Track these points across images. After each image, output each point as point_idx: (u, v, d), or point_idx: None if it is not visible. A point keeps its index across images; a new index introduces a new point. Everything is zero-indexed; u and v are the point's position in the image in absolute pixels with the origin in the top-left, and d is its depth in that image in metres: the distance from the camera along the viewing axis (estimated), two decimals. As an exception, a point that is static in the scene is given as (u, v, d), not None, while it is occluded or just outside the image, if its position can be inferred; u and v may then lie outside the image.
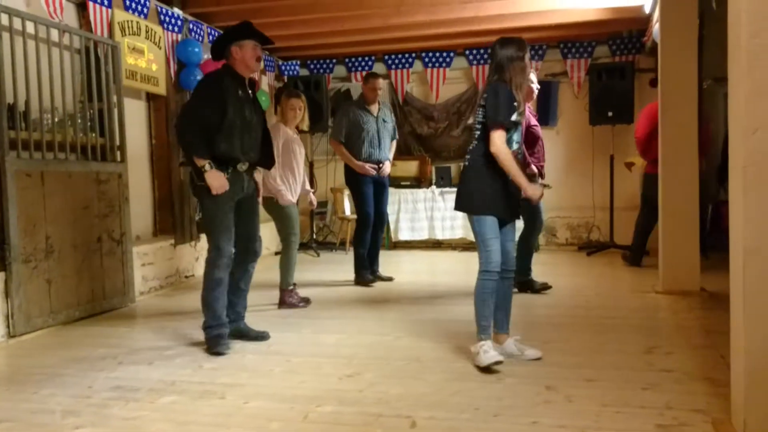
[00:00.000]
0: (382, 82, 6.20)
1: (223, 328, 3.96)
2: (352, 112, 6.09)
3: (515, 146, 3.53)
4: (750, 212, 2.43)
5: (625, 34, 8.30)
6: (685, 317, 4.57)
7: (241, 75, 3.96)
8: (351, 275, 6.17)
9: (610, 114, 7.73)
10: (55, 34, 4.77)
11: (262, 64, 8.20)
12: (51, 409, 2.99)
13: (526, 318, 4.69)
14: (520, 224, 4.49)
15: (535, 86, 5.07)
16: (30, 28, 4.52)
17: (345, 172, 6.19)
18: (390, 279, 6.23)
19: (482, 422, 2.75)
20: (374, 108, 6.13)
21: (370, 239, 6.15)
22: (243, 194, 4.02)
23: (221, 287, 3.95)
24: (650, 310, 4.81)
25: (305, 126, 5.43)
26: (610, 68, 7.88)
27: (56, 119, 4.77)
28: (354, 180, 6.08)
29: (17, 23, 4.39)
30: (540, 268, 7.00)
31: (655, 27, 5.96)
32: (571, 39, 8.41)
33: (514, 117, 3.45)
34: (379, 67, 9.17)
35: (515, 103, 3.45)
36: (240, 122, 3.87)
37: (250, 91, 4.03)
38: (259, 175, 4.28)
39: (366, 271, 6.12)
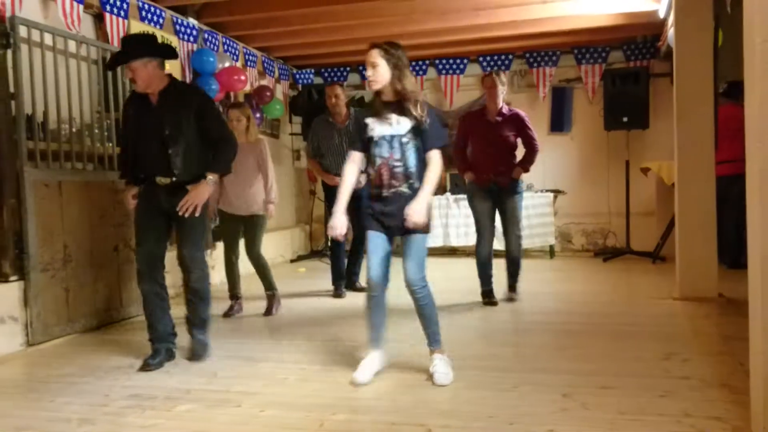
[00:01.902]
0: (339, 90, 5.90)
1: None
2: (316, 125, 5.99)
3: (378, 161, 3.41)
4: (767, 218, 2.41)
5: (640, 39, 8.28)
6: (703, 324, 4.53)
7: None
8: (364, 282, 6.16)
9: (625, 119, 7.71)
10: (72, 46, 4.83)
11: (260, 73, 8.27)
12: (67, 418, 3.01)
13: (540, 325, 4.67)
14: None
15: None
16: (48, 39, 4.58)
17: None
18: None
19: (497, 430, 2.73)
20: (338, 119, 5.88)
21: (348, 251, 6.16)
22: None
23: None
24: (667, 317, 4.77)
25: (252, 138, 5.24)
26: (625, 73, 7.86)
27: (74, 129, 4.82)
28: (328, 193, 6.05)
29: (35, 35, 4.45)
30: (555, 275, 7.00)
31: (670, 31, 5.94)
32: (585, 45, 8.40)
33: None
34: (392, 75, 9.19)
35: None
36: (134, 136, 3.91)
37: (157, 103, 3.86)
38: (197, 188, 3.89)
39: (342, 282, 6.08)
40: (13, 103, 4.30)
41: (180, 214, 3.76)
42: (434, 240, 8.38)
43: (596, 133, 8.42)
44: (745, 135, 2.61)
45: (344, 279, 6.13)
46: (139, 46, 3.75)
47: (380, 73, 3.37)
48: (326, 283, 6.53)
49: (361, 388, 3.32)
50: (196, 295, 4.02)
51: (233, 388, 3.36)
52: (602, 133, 8.20)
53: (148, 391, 3.35)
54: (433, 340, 3.53)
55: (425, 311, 3.52)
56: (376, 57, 3.38)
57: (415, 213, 3.29)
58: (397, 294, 3.82)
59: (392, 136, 3.39)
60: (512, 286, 5.48)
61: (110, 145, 5.18)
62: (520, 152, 5.43)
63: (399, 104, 3.38)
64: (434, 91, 9.20)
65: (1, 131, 4.26)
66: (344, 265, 6.12)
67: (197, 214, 3.82)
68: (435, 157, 3.39)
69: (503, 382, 3.33)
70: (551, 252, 8.38)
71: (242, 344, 4.31)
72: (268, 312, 5.26)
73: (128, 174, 3.99)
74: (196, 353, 3.95)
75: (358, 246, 6.03)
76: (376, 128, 3.42)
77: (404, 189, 3.38)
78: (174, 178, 3.81)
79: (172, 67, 6.18)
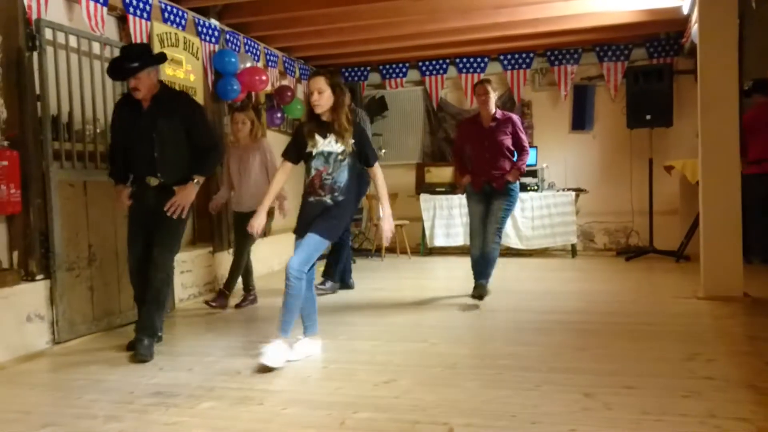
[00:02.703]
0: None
1: None
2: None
3: (313, 172, 3.85)
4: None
5: (663, 35, 8.19)
6: (728, 323, 4.47)
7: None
8: (385, 282, 6.20)
9: (648, 117, 7.63)
10: (96, 47, 4.89)
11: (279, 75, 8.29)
12: (94, 414, 3.05)
13: (562, 324, 4.64)
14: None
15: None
16: (73, 41, 4.64)
17: None
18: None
19: (519, 429, 2.72)
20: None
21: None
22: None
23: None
24: (691, 316, 4.72)
25: (256, 139, 5.43)
26: (648, 70, 7.79)
27: (98, 130, 4.88)
28: None
29: (60, 37, 4.52)
30: (577, 274, 6.96)
31: (694, 28, 5.87)
32: (607, 42, 8.33)
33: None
34: (413, 74, 9.21)
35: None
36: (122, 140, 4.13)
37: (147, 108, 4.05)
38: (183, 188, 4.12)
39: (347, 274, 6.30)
40: (39, 104, 4.36)
41: (168, 214, 3.97)
42: (455, 239, 8.39)
43: (619, 132, 8.35)
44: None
45: (349, 272, 6.33)
46: (143, 57, 3.98)
47: (325, 99, 3.79)
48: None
49: (382, 387, 3.33)
50: (153, 294, 4.10)
51: (256, 386, 3.39)
52: (625, 131, 8.14)
53: (172, 388, 3.39)
54: (280, 328, 3.77)
55: (288, 300, 3.73)
56: (323, 84, 3.78)
57: (387, 230, 3.87)
58: (412, 293, 3.83)
59: (329, 153, 3.82)
60: (478, 286, 5.33)
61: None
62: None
63: (333, 125, 3.81)
64: (454, 89, 9.18)
65: (27, 132, 4.32)
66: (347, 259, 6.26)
67: (183, 216, 4.06)
68: (378, 172, 3.93)
69: (525, 382, 3.31)
70: (573, 251, 8.33)
71: (264, 342, 4.32)
72: (238, 306, 5.55)
73: (117, 174, 4.23)
74: (139, 355, 3.95)
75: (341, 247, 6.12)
76: (317, 144, 3.83)
77: (327, 199, 3.82)
78: (161, 180, 4.05)
79: (194, 68, 6.25)
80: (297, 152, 3.93)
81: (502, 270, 6.97)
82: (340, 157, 3.81)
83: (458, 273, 7.43)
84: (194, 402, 3.18)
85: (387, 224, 3.88)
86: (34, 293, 4.30)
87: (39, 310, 4.31)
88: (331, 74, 3.87)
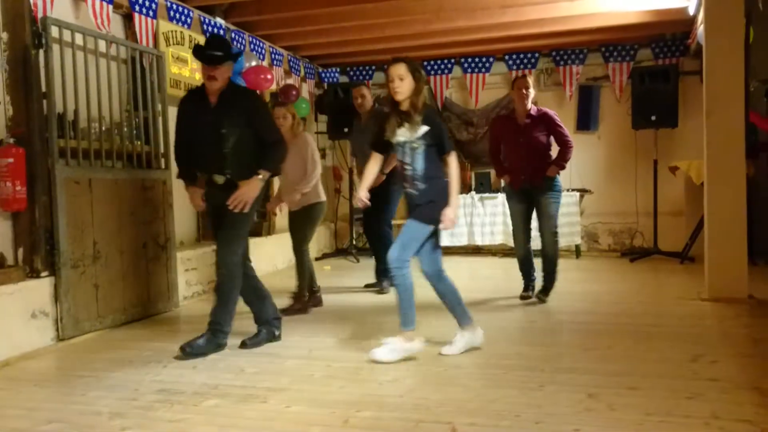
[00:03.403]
0: (365, 91, 6.14)
1: None
2: (354, 126, 6.24)
3: (398, 163, 3.91)
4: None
5: (669, 36, 8.16)
6: (732, 325, 4.46)
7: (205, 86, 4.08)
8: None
9: (653, 118, 7.61)
10: (102, 45, 4.90)
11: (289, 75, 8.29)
12: (98, 411, 3.06)
13: (566, 325, 4.64)
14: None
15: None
16: (79, 39, 4.65)
17: None
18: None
19: (523, 429, 2.73)
20: (361, 119, 6.12)
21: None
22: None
23: None
24: (696, 318, 4.71)
25: (297, 134, 5.32)
26: (654, 71, 7.77)
27: (103, 128, 4.90)
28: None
29: (67, 35, 4.53)
30: (581, 275, 6.95)
31: (700, 29, 5.87)
32: (613, 42, 8.31)
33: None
34: (418, 73, 9.19)
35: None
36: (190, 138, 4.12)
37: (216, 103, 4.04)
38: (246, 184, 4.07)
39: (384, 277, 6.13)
40: (44, 102, 4.37)
41: (230, 209, 3.93)
42: (459, 239, 8.37)
43: (624, 132, 8.32)
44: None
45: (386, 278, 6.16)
46: (227, 50, 4.02)
47: (406, 86, 3.75)
48: (351, 280, 6.57)
49: (386, 385, 3.33)
50: (218, 292, 4.12)
51: (260, 384, 3.40)
52: (630, 131, 8.11)
53: (177, 386, 3.39)
54: (405, 320, 3.80)
55: (398, 292, 3.80)
56: (404, 72, 3.75)
57: (447, 220, 3.77)
58: (416, 292, 3.85)
59: (404, 143, 3.80)
60: (545, 288, 5.41)
61: (139, 143, 5.24)
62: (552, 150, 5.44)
63: (411, 114, 3.76)
64: (459, 89, 9.17)
65: (33, 129, 4.33)
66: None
67: (246, 210, 4.00)
68: (452, 162, 3.83)
69: (529, 382, 3.32)
70: (577, 252, 8.31)
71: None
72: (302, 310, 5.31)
73: (187, 174, 4.20)
74: (189, 348, 3.97)
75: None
76: (395, 134, 3.80)
77: (412, 191, 3.82)
78: (228, 176, 4.03)
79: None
80: (381, 142, 3.92)
81: (506, 270, 6.97)
82: (414, 145, 3.77)
83: (462, 272, 7.44)
84: (198, 399, 3.19)
85: (448, 213, 3.78)
86: (39, 290, 4.31)
87: (44, 307, 4.32)
88: (411, 61, 3.81)
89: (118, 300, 4.90)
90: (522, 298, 5.43)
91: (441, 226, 3.82)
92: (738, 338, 4.12)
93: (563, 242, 8.05)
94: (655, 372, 3.44)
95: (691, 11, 6.53)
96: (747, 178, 5.25)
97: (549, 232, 5.33)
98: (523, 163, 5.26)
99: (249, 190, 3.96)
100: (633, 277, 6.79)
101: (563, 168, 5.35)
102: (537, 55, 8.71)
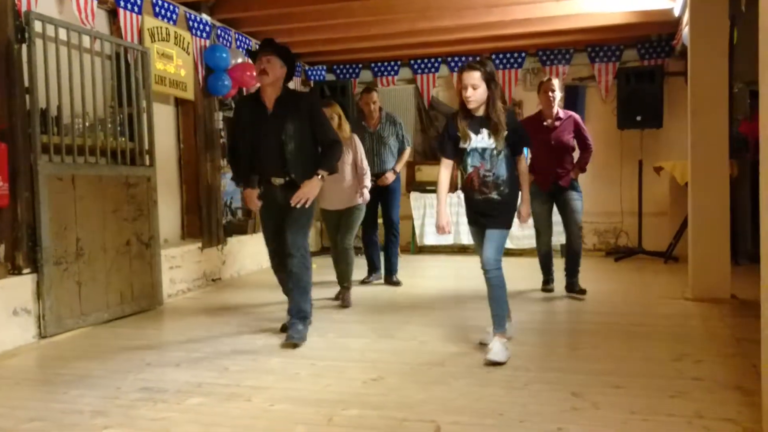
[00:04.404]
0: (376, 97, 6.30)
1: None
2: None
3: (470, 169, 3.83)
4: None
5: (654, 37, 8.21)
6: (716, 325, 4.50)
7: (261, 92, 4.27)
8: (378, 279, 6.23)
9: (638, 118, 7.66)
10: (86, 41, 4.85)
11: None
12: (80, 410, 3.03)
13: (553, 325, 4.65)
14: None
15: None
16: (62, 34, 4.61)
17: None
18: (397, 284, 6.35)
19: (507, 428, 2.73)
20: (371, 122, 6.26)
21: (378, 243, 6.51)
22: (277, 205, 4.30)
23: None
24: (680, 318, 4.74)
25: (345, 135, 5.38)
26: (639, 72, 7.81)
27: (87, 124, 4.85)
28: None
29: (50, 30, 4.48)
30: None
31: (685, 30, 5.90)
32: (599, 43, 8.34)
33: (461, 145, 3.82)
34: (405, 72, 9.19)
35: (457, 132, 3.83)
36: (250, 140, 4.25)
37: (272, 106, 4.21)
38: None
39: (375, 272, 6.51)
40: (27, 97, 4.33)
41: (293, 205, 4.11)
42: (445, 238, 8.36)
43: (609, 132, 8.36)
44: (760, 135, 2.59)
45: (377, 269, 6.47)
46: (283, 51, 4.22)
47: (479, 94, 3.70)
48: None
49: (371, 384, 3.32)
50: (294, 280, 4.25)
51: (244, 383, 3.38)
52: (615, 132, 8.15)
53: (160, 384, 3.37)
54: (496, 323, 3.80)
55: (495, 292, 3.83)
56: (478, 80, 3.67)
57: (526, 215, 3.97)
58: (402, 291, 3.83)
59: (484, 149, 3.76)
60: (570, 284, 5.60)
61: (123, 139, 5.20)
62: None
63: (488, 120, 3.73)
64: (447, 88, 9.17)
65: (15, 125, 4.29)
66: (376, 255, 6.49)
67: (308, 206, 4.18)
68: (522, 163, 3.90)
69: (514, 381, 3.32)
70: (562, 251, 8.32)
71: (253, 339, 4.32)
72: (345, 304, 5.41)
73: (243, 176, 4.37)
74: (290, 338, 4.13)
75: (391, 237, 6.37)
76: (470, 141, 3.77)
77: (494, 196, 3.80)
78: (288, 178, 4.20)
79: (184, 63, 6.22)
80: (453, 149, 3.88)
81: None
82: (495, 151, 3.75)
83: (448, 272, 7.46)
84: (182, 398, 3.16)
85: (525, 209, 3.96)
86: (20, 287, 4.27)
87: (26, 304, 4.28)
88: (484, 66, 3.72)
89: (102, 298, 4.86)
90: (546, 291, 5.76)
91: (520, 220, 3.97)
92: (721, 338, 4.15)
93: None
94: (639, 371, 3.46)
95: (677, 13, 6.57)
96: (730, 178, 5.30)
97: (575, 227, 5.53)
98: (551, 164, 5.41)
99: (311, 189, 4.14)
100: (618, 276, 6.83)
101: (584, 171, 5.61)
102: (523, 54, 8.73)
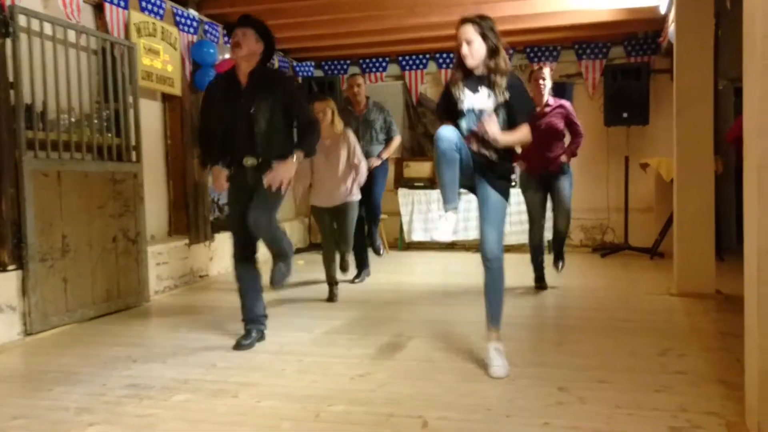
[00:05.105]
0: (361, 80, 6.39)
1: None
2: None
3: (466, 133, 3.49)
4: (764, 213, 2.41)
5: (641, 34, 8.26)
6: (700, 320, 4.53)
7: (236, 69, 4.01)
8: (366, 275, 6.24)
9: (625, 115, 7.71)
10: (72, 35, 4.82)
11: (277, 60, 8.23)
12: (66, 407, 3.02)
13: (539, 319, 4.67)
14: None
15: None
16: (47, 29, 4.57)
17: None
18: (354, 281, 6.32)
19: (494, 423, 2.74)
20: (357, 108, 6.34)
21: (365, 240, 6.47)
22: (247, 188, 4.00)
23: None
24: (664, 313, 4.78)
25: (338, 130, 5.40)
26: (626, 69, 7.85)
27: (73, 119, 4.82)
28: None
29: (35, 24, 4.44)
30: (553, 270, 6.96)
31: (671, 27, 5.94)
32: (586, 40, 8.38)
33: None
34: (393, 68, 9.19)
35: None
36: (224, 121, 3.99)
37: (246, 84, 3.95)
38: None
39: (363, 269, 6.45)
40: (12, 92, 4.29)
41: (265, 186, 3.79)
42: (433, 234, 8.38)
43: (596, 129, 8.39)
44: (743, 130, 2.62)
45: (367, 267, 6.43)
46: (259, 25, 4.00)
47: (475, 49, 3.42)
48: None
49: (358, 380, 3.33)
50: (276, 249, 3.96)
51: (231, 379, 3.37)
52: (602, 128, 8.19)
53: (146, 381, 3.36)
54: (494, 320, 3.55)
55: (497, 284, 3.58)
56: (472, 34, 3.43)
57: (495, 134, 3.33)
58: (389, 287, 3.83)
59: (481, 111, 3.43)
60: (559, 257, 5.74)
61: (109, 135, 5.17)
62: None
63: (488, 78, 3.42)
64: (435, 84, 9.17)
65: (0, 121, 4.25)
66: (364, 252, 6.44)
67: (282, 191, 3.88)
68: (523, 128, 3.46)
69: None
70: (549, 247, 8.36)
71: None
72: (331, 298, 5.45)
73: (210, 157, 4.07)
74: (274, 278, 3.93)
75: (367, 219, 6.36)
76: (465, 100, 3.46)
77: (491, 153, 3.46)
78: (261, 159, 3.90)
79: (171, 58, 6.18)
80: (449, 110, 3.56)
81: (479, 265, 6.99)
82: (492, 113, 3.40)
83: (436, 267, 7.47)
84: (168, 394, 3.15)
85: (502, 135, 3.46)
86: (5, 283, 4.24)
87: (11, 301, 4.25)
88: (480, 19, 3.47)
89: (88, 294, 4.83)
90: (540, 288, 5.72)
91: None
92: (705, 332, 4.19)
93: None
94: (624, 366, 3.48)
95: (663, 10, 6.61)
96: (715, 174, 5.35)
97: (565, 210, 5.56)
98: (541, 150, 5.41)
99: (284, 170, 3.79)
100: (604, 272, 6.87)
101: (575, 155, 5.65)
102: (511, 51, 8.74)
